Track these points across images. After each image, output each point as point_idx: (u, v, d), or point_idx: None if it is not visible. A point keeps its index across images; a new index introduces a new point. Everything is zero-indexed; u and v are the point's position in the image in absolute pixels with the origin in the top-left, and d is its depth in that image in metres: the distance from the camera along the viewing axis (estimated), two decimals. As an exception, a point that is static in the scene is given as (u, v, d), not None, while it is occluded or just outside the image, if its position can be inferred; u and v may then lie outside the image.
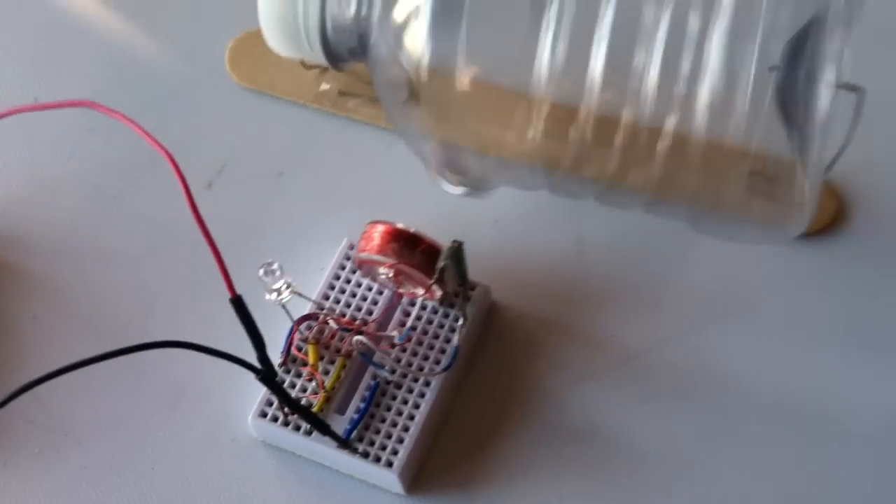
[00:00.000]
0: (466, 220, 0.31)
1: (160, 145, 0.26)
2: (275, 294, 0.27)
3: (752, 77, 0.26)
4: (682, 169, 0.28)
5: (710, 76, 0.26)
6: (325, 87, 0.35)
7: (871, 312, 0.30)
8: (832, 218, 0.31)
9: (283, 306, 0.27)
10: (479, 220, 0.31)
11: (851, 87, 0.27)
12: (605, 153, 0.28)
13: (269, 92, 0.35)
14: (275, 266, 0.27)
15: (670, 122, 0.27)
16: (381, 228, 0.28)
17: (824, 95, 0.27)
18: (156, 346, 0.25)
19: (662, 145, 0.28)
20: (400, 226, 0.28)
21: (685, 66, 0.26)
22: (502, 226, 0.32)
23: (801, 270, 0.31)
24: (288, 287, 0.27)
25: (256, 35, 0.34)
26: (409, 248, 0.27)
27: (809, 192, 0.28)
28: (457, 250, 0.27)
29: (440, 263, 0.27)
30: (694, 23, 0.26)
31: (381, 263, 0.28)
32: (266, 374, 0.26)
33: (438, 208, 0.31)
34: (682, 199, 0.29)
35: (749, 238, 0.30)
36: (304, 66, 0.34)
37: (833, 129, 0.27)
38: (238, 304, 0.25)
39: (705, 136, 0.27)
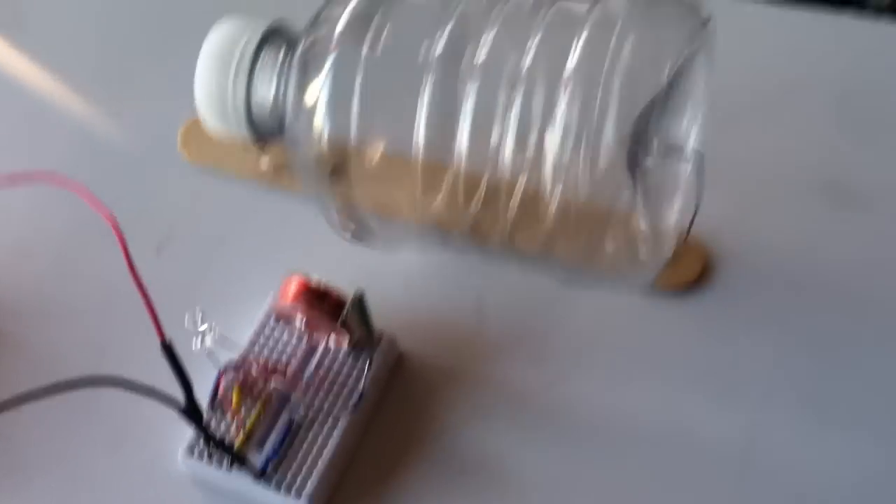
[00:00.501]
0: (380, 276, 0.35)
1: (107, 213, 0.30)
2: (199, 339, 0.31)
3: (605, 146, 0.30)
4: (553, 233, 0.32)
5: (562, 147, 0.30)
6: (264, 163, 0.39)
7: (730, 358, 0.34)
8: (699, 274, 0.35)
9: (210, 354, 0.31)
10: (391, 276, 0.35)
11: (692, 153, 0.32)
12: (488, 218, 0.33)
13: (216, 168, 0.40)
14: (199, 314, 0.31)
15: (525, 186, 0.31)
16: (295, 281, 0.32)
17: (670, 162, 0.32)
18: (84, 385, 0.29)
19: (526, 210, 0.32)
20: (312, 279, 0.32)
21: (540, 138, 0.30)
22: (411, 281, 0.36)
23: (671, 321, 0.35)
24: (212, 332, 0.31)
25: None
26: (319, 299, 0.31)
27: (663, 249, 0.32)
28: (359, 300, 0.31)
29: (344, 312, 0.31)
30: (544, 100, 0.30)
31: (295, 312, 0.32)
32: (188, 411, 0.30)
33: (356, 265, 0.35)
34: (558, 258, 0.33)
35: (609, 287, 0.34)
36: (244, 146, 0.39)
37: (703, 192, 0.31)
38: (167, 348, 0.29)
39: (568, 203, 0.31)
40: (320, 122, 0.32)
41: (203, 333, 0.31)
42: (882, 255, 0.35)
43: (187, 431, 0.32)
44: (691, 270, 0.35)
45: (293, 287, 0.32)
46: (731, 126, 0.37)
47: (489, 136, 0.31)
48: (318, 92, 0.32)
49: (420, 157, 0.32)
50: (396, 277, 0.36)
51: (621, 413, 0.33)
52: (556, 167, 0.30)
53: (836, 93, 0.39)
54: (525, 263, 0.34)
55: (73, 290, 0.37)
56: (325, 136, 0.32)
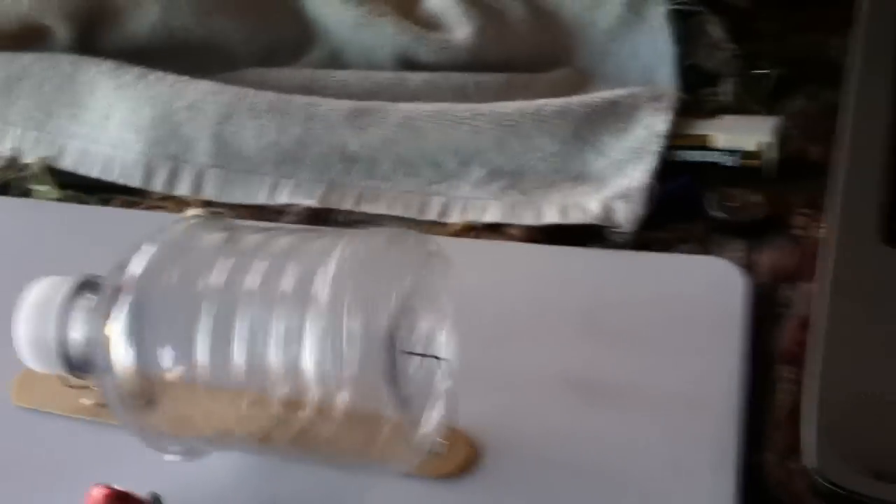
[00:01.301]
0: (182, 486, 0.39)
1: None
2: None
3: (355, 358, 0.35)
4: (325, 444, 0.38)
5: (319, 362, 0.36)
6: (84, 401, 0.44)
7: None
8: (466, 462, 0.40)
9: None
10: (192, 483, 0.40)
11: (439, 359, 0.38)
12: (276, 426, 0.38)
13: (41, 409, 0.44)
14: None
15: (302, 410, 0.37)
16: (97, 491, 0.36)
17: (421, 370, 0.38)
18: None
19: (302, 430, 0.37)
20: (113, 486, 0.36)
21: (299, 356, 0.36)
22: (210, 486, 0.40)
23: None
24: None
25: (33, 372, 0.44)
26: (122, 502, 0.36)
27: (425, 445, 0.38)
28: (157, 500, 0.36)
29: (140, 513, 0.36)
30: (296, 322, 0.36)
31: (97, 518, 0.36)
32: None
33: (160, 477, 0.39)
34: (337, 454, 0.39)
35: (381, 473, 0.39)
36: (68, 385, 0.44)
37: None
38: None
39: (334, 410, 0.37)
40: (120, 355, 0.37)
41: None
42: (613, 434, 0.41)
43: None
44: (460, 457, 0.41)
45: (97, 494, 0.36)
46: (495, 342, 0.44)
47: (258, 355, 0.37)
48: (117, 329, 0.38)
49: (207, 378, 0.37)
50: (197, 483, 0.40)
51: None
52: (318, 380, 0.36)
53: (578, 308, 0.47)
54: (313, 459, 0.39)
55: None
56: (125, 367, 0.37)
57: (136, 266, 0.38)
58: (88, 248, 0.42)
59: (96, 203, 0.56)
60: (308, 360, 0.36)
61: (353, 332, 0.35)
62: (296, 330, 0.36)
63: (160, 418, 0.38)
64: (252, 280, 0.37)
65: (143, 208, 0.55)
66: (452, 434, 0.40)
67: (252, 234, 0.40)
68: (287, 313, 0.36)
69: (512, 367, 0.44)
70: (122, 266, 0.39)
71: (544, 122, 0.54)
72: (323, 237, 0.39)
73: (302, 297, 0.36)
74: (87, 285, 0.40)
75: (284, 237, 0.39)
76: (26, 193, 0.57)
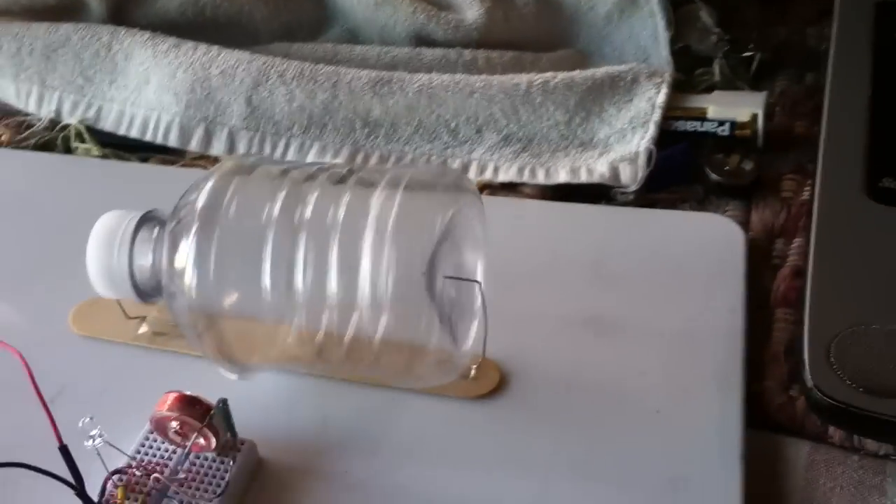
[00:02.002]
0: (241, 399, 0.43)
1: (14, 350, 0.38)
2: (91, 440, 0.38)
3: (403, 282, 0.40)
4: (373, 362, 0.42)
5: (371, 284, 0.40)
6: (142, 330, 0.48)
7: (515, 444, 0.43)
8: (496, 385, 0.45)
9: (98, 453, 0.38)
10: (250, 398, 0.44)
11: (474, 282, 0.42)
12: (328, 349, 0.42)
13: (102, 338, 0.48)
14: (89, 419, 0.38)
15: (354, 329, 0.41)
16: (172, 395, 0.40)
17: (459, 293, 0.42)
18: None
19: (354, 347, 0.41)
20: (184, 391, 0.40)
21: (352, 278, 0.40)
22: (267, 401, 0.44)
23: (477, 421, 0.44)
24: (100, 435, 0.38)
25: (91, 302, 0.48)
26: (191, 404, 0.39)
27: (460, 365, 0.42)
28: (223, 404, 0.40)
29: (210, 413, 0.39)
30: (350, 247, 0.40)
31: (170, 418, 0.40)
32: (81, 494, 0.37)
33: (219, 393, 0.43)
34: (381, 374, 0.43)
35: (413, 389, 0.44)
36: (127, 317, 0.48)
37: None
38: (64, 451, 0.37)
39: (383, 335, 0.41)
40: (187, 281, 0.41)
41: (93, 437, 0.38)
42: (624, 364, 0.46)
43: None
44: (490, 383, 0.45)
45: (169, 398, 0.40)
46: (514, 285, 0.48)
47: (319, 279, 0.41)
48: (185, 256, 0.41)
49: (266, 301, 0.41)
50: (254, 399, 0.44)
51: (441, 490, 0.41)
52: (367, 302, 0.40)
53: (590, 257, 0.51)
54: (359, 378, 0.43)
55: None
56: (191, 292, 0.41)
57: (199, 198, 0.42)
58: (130, 202, 0.46)
59: (136, 161, 0.59)
60: (361, 284, 0.40)
61: (399, 257, 0.40)
62: (349, 255, 0.40)
63: (221, 340, 0.42)
64: (307, 209, 0.41)
65: (180, 166, 0.59)
66: (482, 360, 0.44)
67: (302, 168, 0.44)
68: (341, 240, 0.40)
69: (531, 307, 0.48)
70: (184, 200, 0.43)
71: (552, 92, 0.58)
72: (371, 171, 0.43)
73: (354, 224, 0.41)
74: (150, 218, 0.44)
75: (333, 170, 0.43)
76: (69, 151, 0.60)
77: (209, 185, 0.42)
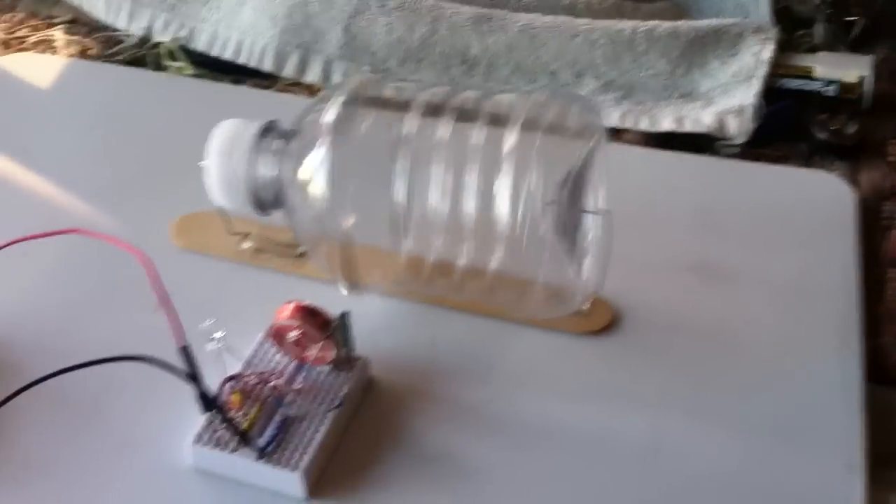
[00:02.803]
0: (353, 318, 0.42)
1: (139, 252, 0.38)
2: (213, 342, 0.37)
3: (537, 211, 0.39)
4: (491, 289, 0.42)
5: (511, 209, 0.39)
6: (245, 246, 0.47)
7: (626, 382, 0.42)
8: (608, 323, 0.44)
9: (220, 355, 0.38)
10: (360, 319, 0.43)
11: (601, 212, 0.42)
12: (445, 276, 0.42)
13: (204, 252, 0.47)
14: (214, 320, 0.38)
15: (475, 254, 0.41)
16: (292, 304, 0.39)
17: (583, 220, 0.41)
18: (124, 359, 0.35)
19: (474, 273, 0.41)
20: (304, 301, 0.39)
21: (487, 205, 0.40)
22: (377, 323, 0.43)
23: (589, 356, 0.43)
24: (222, 338, 0.38)
25: (192, 216, 0.48)
26: (312, 315, 0.39)
27: (579, 298, 0.41)
28: (344, 316, 0.39)
29: (333, 324, 0.39)
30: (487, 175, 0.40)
31: (290, 328, 0.39)
32: (208, 394, 0.36)
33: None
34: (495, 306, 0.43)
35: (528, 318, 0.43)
36: (230, 232, 0.47)
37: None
38: (185, 351, 0.36)
39: (505, 263, 0.41)
40: (318, 191, 0.41)
41: (217, 339, 0.38)
42: (734, 312, 0.45)
43: (189, 426, 0.38)
44: (603, 319, 0.44)
45: (289, 307, 0.39)
46: (622, 229, 0.47)
47: (446, 202, 0.40)
48: (315, 168, 0.41)
49: (393, 219, 0.40)
50: (365, 319, 0.43)
51: (548, 421, 0.41)
52: (495, 230, 0.40)
53: (696, 206, 0.50)
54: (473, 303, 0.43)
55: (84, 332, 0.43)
56: (318, 205, 0.40)
57: (328, 113, 0.41)
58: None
59: (229, 84, 0.59)
60: (487, 211, 0.40)
61: (526, 186, 0.39)
62: (478, 182, 0.39)
63: (341, 256, 0.42)
64: (438, 133, 0.40)
65: (275, 90, 0.58)
66: (596, 298, 0.44)
67: (431, 90, 0.43)
68: (470, 166, 0.40)
69: (638, 250, 0.47)
70: (310, 113, 0.42)
71: (657, 40, 0.57)
72: (503, 96, 0.42)
73: (486, 152, 0.40)
74: (271, 129, 0.43)
75: (466, 93, 0.42)
76: (159, 69, 0.60)
77: (340, 99, 0.41)
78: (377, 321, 0.44)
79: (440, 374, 0.42)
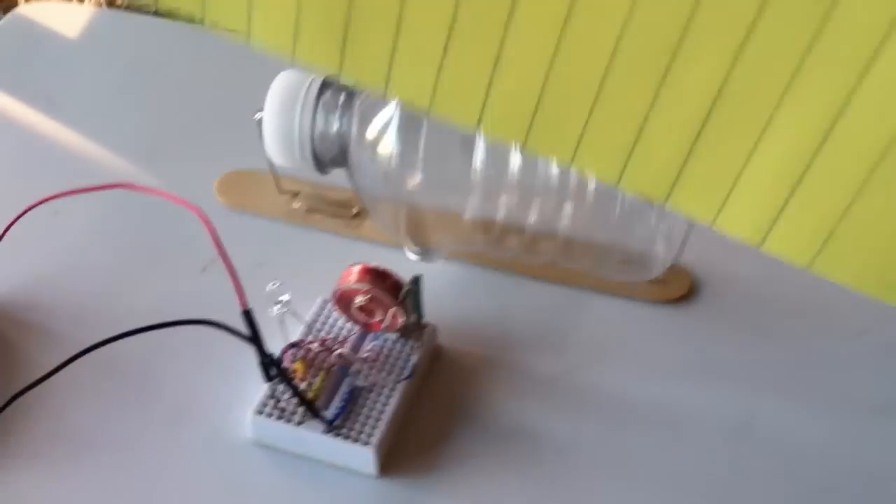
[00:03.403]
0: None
1: (196, 207, 0.35)
2: (277, 306, 0.35)
3: None
4: (562, 249, 0.39)
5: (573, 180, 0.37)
6: (296, 205, 0.44)
7: (710, 355, 0.40)
8: (687, 290, 0.41)
9: (281, 321, 0.35)
10: (427, 283, 0.40)
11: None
12: (516, 235, 0.39)
13: (251, 211, 0.44)
14: (279, 283, 0.35)
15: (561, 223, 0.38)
16: (358, 266, 0.36)
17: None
18: (184, 323, 0.32)
19: (547, 233, 0.38)
20: (371, 263, 0.36)
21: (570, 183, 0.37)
22: (445, 289, 0.41)
23: (668, 326, 0.40)
24: (287, 302, 0.35)
25: (238, 174, 0.45)
26: (381, 278, 0.36)
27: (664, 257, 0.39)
28: (417, 280, 0.36)
29: (405, 288, 0.36)
30: None
31: (357, 292, 0.36)
32: (273, 360, 0.33)
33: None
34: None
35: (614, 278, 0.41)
36: (280, 190, 0.44)
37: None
38: (247, 315, 0.33)
39: (579, 224, 0.38)
40: (387, 150, 0.38)
41: (281, 303, 0.35)
42: (827, 284, 0.42)
43: (249, 396, 0.35)
44: (682, 287, 0.41)
45: (355, 270, 0.36)
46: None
47: (520, 163, 0.37)
48: (383, 126, 0.38)
49: (473, 175, 0.37)
50: (429, 284, 0.40)
51: (631, 395, 0.38)
52: (569, 191, 0.37)
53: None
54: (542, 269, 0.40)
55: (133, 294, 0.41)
56: (392, 162, 0.38)
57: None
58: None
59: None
60: (563, 173, 0.37)
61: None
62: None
63: (408, 217, 0.39)
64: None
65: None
66: (674, 265, 0.41)
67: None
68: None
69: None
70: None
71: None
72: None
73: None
74: (331, 83, 0.40)
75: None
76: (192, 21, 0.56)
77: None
78: (442, 286, 0.41)
79: (511, 343, 0.39)
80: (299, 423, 0.34)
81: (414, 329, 0.37)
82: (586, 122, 0.24)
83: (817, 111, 0.21)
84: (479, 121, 0.25)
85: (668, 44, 0.21)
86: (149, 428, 0.36)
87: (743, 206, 0.25)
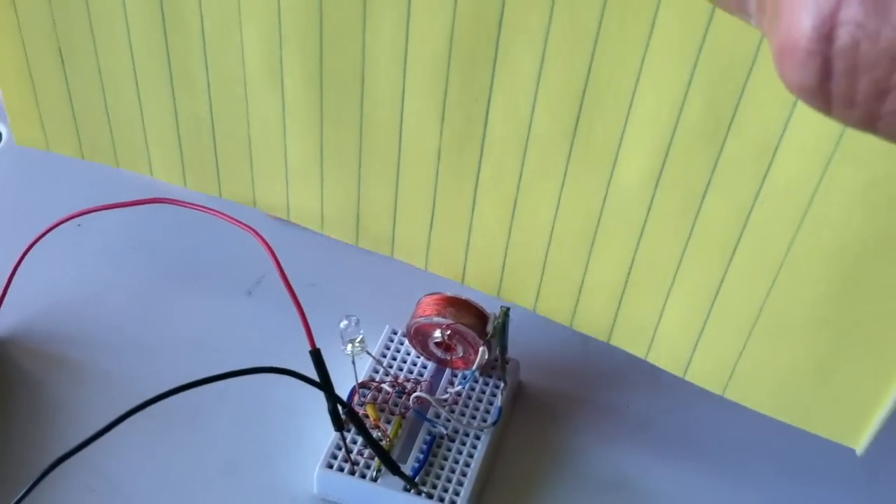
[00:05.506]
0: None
1: (250, 227, 0.30)
2: (349, 346, 0.30)
3: None
4: None
5: None
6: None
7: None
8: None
9: (353, 362, 0.31)
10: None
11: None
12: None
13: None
14: (354, 319, 0.30)
15: None
16: (436, 296, 0.32)
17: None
18: (252, 372, 0.28)
19: None
20: (451, 293, 0.32)
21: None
22: (524, 321, 0.36)
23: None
24: (361, 341, 0.30)
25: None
26: (464, 310, 0.31)
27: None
28: (506, 314, 0.32)
29: (493, 323, 0.31)
30: None
31: (437, 326, 0.32)
32: (347, 407, 0.29)
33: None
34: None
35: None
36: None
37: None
38: (317, 356, 0.29)
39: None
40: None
41: (355, 341, 0.30)
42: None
43: (316, 448, 0.31)
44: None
45: (432, 300, 0.32)
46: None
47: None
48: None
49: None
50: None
51: (738, 436, 0.34)
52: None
53: None
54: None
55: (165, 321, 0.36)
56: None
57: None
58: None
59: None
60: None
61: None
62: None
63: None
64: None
65: None
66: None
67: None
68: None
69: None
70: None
71: None
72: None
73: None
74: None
75: None
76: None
77: None
78: (517, 313, 0.36)
79: (597, 378, 0.35)
80: (374, 479, 0.30)
81: (495, 365, 0.33)
82: (540, 280, 0.31)
83: (704, 282, 0.28)
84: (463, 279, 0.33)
85: (587, 233, 0.29)
86: (200, 481, 0.32)
87: (665, 344, 0.30)
